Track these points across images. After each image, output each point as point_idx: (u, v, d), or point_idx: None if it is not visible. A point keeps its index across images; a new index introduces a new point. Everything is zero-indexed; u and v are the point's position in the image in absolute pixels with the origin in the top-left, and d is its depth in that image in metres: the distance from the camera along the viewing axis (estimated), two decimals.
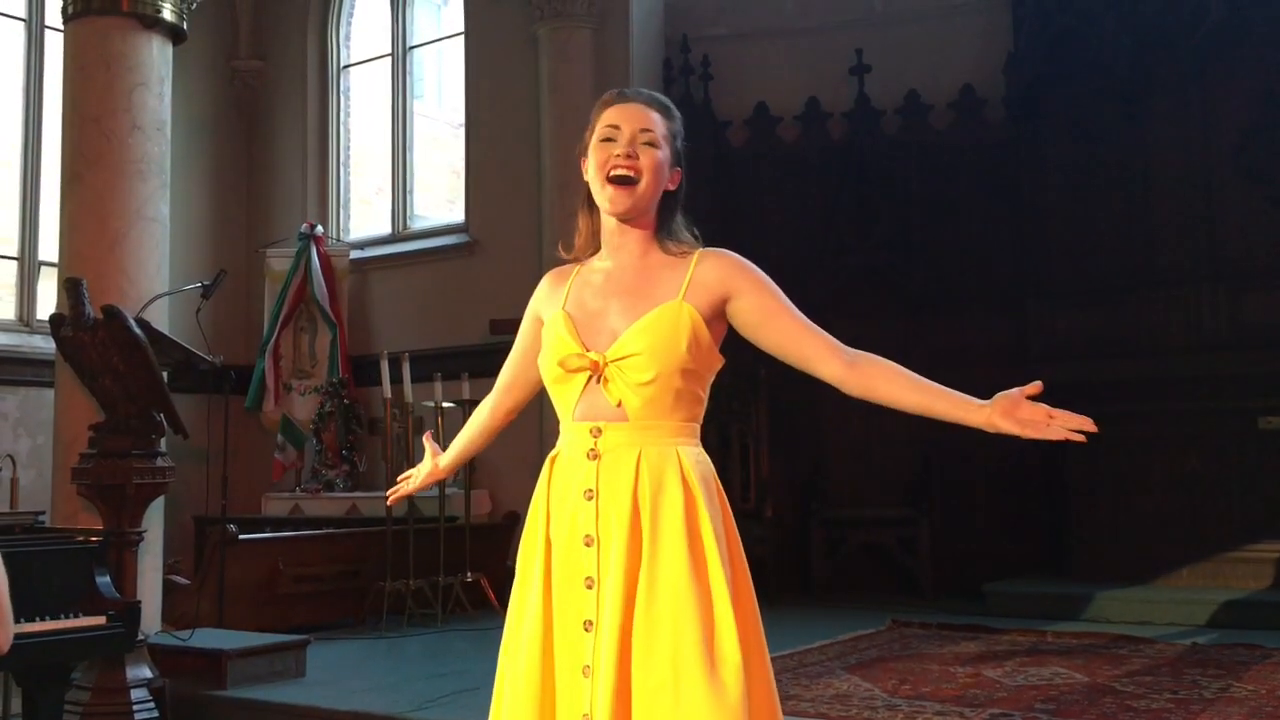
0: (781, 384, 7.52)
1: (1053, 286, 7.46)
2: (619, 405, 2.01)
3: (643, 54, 8.35)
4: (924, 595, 7.36)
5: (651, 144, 2.08)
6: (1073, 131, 7.45)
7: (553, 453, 2.11)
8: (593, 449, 2.02)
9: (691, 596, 1.90)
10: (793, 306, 2.09)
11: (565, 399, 2.07)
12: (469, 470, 7.65)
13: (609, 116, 2.10)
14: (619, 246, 2.13)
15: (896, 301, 7.93)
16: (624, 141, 2.07)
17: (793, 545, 7.68)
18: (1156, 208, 7.24)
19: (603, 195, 2.08)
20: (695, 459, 2.02)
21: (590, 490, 2.00)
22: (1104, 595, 6.49)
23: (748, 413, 7.69)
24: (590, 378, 2.03)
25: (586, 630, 1.96)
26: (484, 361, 7.93)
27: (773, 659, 2.07)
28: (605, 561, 1.96)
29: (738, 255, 2.11)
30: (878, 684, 4.71)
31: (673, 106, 2.18)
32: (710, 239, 2.16)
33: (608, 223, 2.13)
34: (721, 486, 2.06)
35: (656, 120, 2.10)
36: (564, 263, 2.21)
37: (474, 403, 6.94)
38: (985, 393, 1.94)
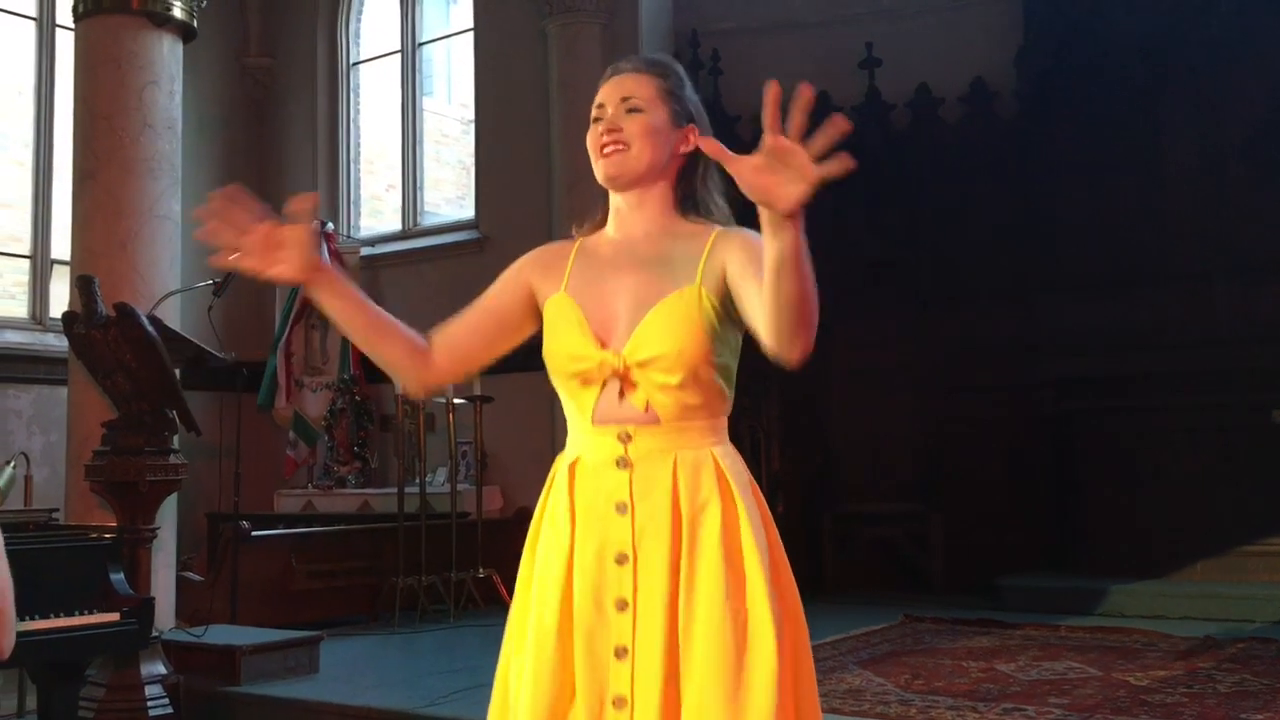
0: (792, 380, 7.52)
1: (1063, 280, 7.43)
2: (647, 409, 1.81)
3: (652, 49, 8.32)
4: (935, 590, 7.33)
5: (636, 109, 1.90)
6: (1084, 124, 7.42)
7: (568, 458, 1.89)
8: (623, 456, 1.82)
9: (724, 628, 1.72)
10: None
11: (581, 398, 1.86)
12: (480, 467, 7.66)
13: (598, 97, 1.96)
14: (628, 220, 1.94)
15: (907, 295, 7.90)
16: (606, 120, 1.92)
17: (804, 541, 7.66)
18: (1168, 201, 7.21)
19: (596, 169, 1.93)
20: (731, 461, 1.84)
21: (624, 503, 1.80)
22: (1117, 589, 6.47)
23: (758, 409, 7.68)
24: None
25: (619, 658, 1.75)
26: None
27: None
28: (644, 581, 1.77)
29: (753, 233, 1.84)
30: (890, 679, 4.70)
31: (668, 62, 2.00)
32: None
33: (615, 199, 1.95)
34: (757, 485, 1.88)
35: (644, 82, 1.93)
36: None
37: (485, 399, 7.08)
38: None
